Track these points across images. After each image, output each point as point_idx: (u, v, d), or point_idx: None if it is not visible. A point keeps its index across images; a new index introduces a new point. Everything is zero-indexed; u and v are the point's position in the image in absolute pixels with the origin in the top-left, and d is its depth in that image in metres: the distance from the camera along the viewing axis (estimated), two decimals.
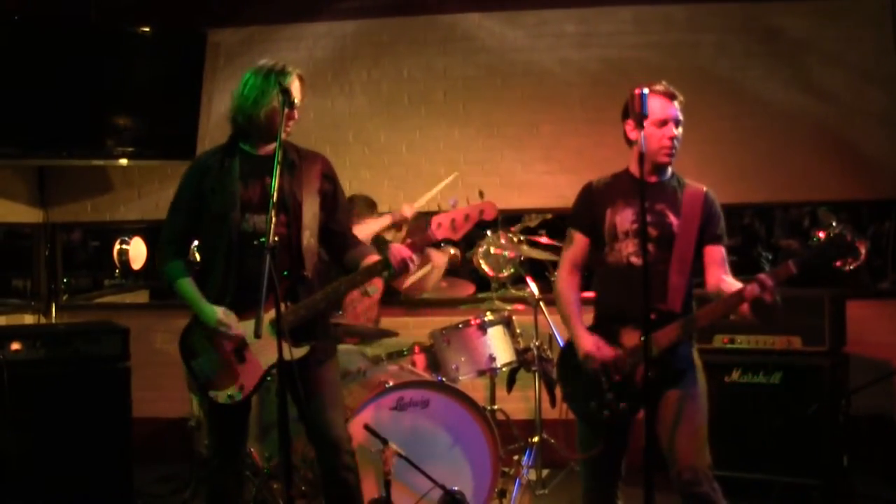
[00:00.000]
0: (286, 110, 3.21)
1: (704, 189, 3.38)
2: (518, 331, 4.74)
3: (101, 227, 6.96)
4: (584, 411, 3.35)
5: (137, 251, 6.48)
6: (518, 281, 5.20)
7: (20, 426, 4.38)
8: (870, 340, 5.29)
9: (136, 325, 4.95)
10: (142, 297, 7.49)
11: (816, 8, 5.57)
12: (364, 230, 4.47)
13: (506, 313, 4.75)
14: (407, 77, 5.95)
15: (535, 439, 4.93)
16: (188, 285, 3.41)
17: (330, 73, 5.96)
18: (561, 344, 4.30)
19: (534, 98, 5.83)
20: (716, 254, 3.32)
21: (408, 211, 4.82)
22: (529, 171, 5.84)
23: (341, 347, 4.45)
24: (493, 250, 5.04)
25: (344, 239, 3.60)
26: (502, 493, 4.48)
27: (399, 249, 3.36)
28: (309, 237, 3.44)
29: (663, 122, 3.25)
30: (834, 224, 3.12)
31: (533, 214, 5.41)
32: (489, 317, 4.63)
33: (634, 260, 3.28)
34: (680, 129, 3.30)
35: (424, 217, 4.05)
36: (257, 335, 2.95)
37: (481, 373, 4.58)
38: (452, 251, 5.13)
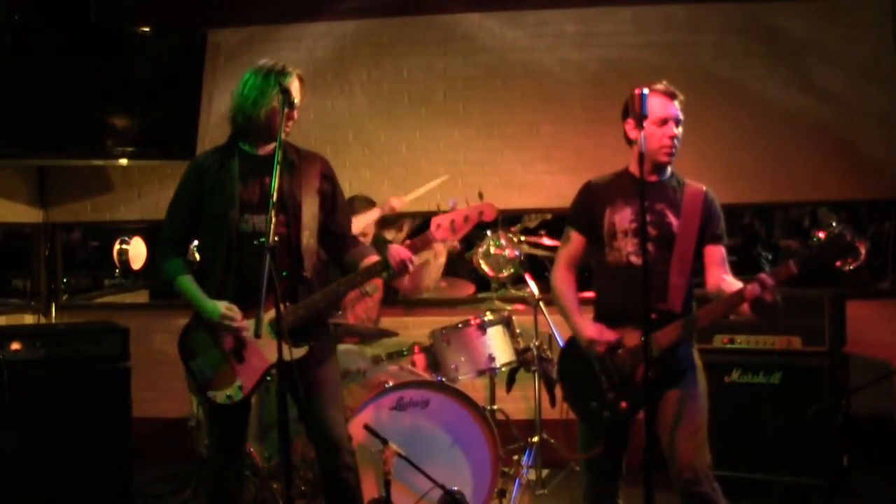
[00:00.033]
0: (286, 110, 3.22)
1: (704, 189, 3.38)
2: (518, 331, 4.74)
3: (101, 227, 6.95)
4: (584, 411, 3.35)
5: (137, 251, 6.49)
6: (518, 281, 5.20)
7: (20, 426, 4.38)
8: (870, 340, 5.29)
9: (136, 325, 4.95)
10: (142, 297, 7.48)
11: (816, 8, 5.57)
12: (355, 225, 4.47)
13: (506, 313, 4.75)
14: (407, 77, 5.95)
15: (535, 439, 4.93)
16: (188, 282, 3.41)
17: (330, 73, 5.96)
18: (561, 344, 4.30)
19: (534, 98, 5.83)
20: (716, 254, 3.32)
21: (396, 203, 4.82)
22: (529, 171, 5.84)
23: (341, 347, 4.45)
24: (492, 250, 5.04)
25: (343, 239, 3.60)
26: (502, 493, 4.48)
27: (398, 251, 3.37)
28: (308, 237, 3.45)
29: (663, 122, 3.26)
30: (834, 224, 3.13)
31: (532, 215, 5.42)
32: (489, 317, 4.63)
33: (634, 259, 3.29)
34: (680, 129, 3.31)
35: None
36: (257, 335, 2.96)
37: (481, 373, 4.58)
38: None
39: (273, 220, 3.01)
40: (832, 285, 5.21)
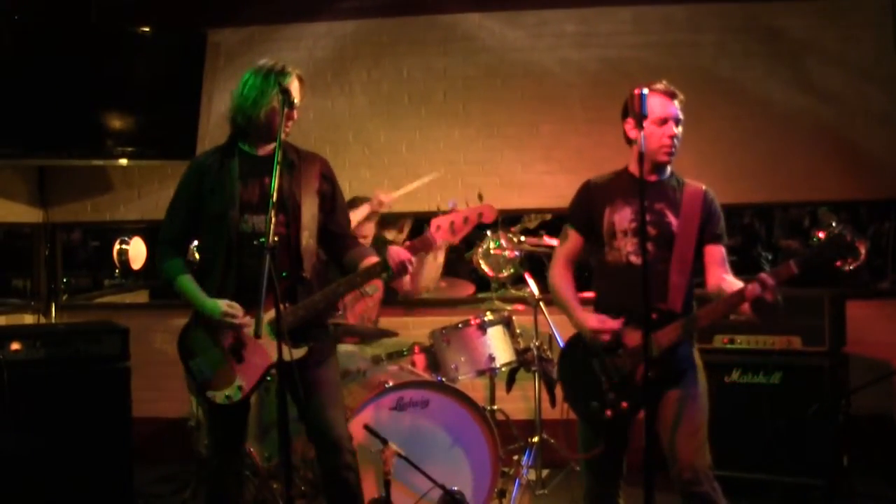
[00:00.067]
0: (286, 110, 3.22)
1: (704, 188, 3.38)
2: (518, 331, 4.74)
3: (101, 226, 6.96)
4: (584, 411, 3.35)
5: (137, 251, 6.49)
6: (518, 281, 5.20)
7: (20, 426, 4.38)
8: (870, 340, 5.29)
9: (136, 325, 4.94)
10: (142, 297, 7.49)
11: (816, 8, 5.57)
12: None
13: (506, 313, 4.75)
14: (407, 77, 5.95)
15: (535, 439, 4.92)
16: (188, 282, 3.41)
17: (330, 73, 5.96)
18: (561, 344, 4.30)
19: (534, 98, 5.83)
20: (716, 253, 3.32)
21: (384, 197, 4.81)
22: (529, 172, 5.84)
23: (341, 347, 4.45)
24: (492, 250, 5.04)
25: (343, 240, 3.59)
26: (502, 493, 4.48)
27: (398, 252, 3.36)
28: (308, 238, 3.45)
29: (663, 121, 3.26)
30: (834, 224, 3.13)
31: (532, 215, 5.41)
32: (489, 317, 4.63)
33: (634, 259, 3.29)
34: (680, 128, 3.31)
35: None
36: (257, 335, 2.96)
37: (481, 373, 4.58)
38: None
39: (273, 220, 3.01)
40: (832, 285, 5.21)
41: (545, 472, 5.01)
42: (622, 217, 3.33)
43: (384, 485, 3.80)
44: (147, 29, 5.59)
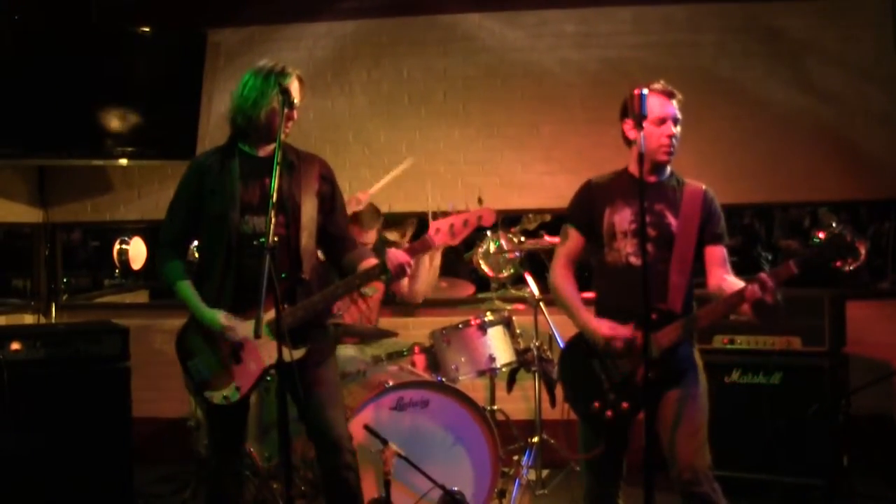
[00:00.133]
0: (285, 111, 3.22)
1: (703, 188, 3.38)
2: (518, 331, 4.74)
3: (101, 227, 6.96)
4: (585, 411, 3.35)
5: (137, 251, 6.49)
6: (518, 281, 5.20)
7: (20, 426, 4.38)
8: (870, 340, 5.29)
9: (135, 325, 4.95)
10: (142, 297, 7.49)
11: (816, 8, 5.57)
12: None
13: (506, 313, 4.75)
14: (407, 77, 5.95)
15: (535, 439, 4.92)
16: (188, 288, 3.40)
17: (330, 73, 5.96)
18: (561, 344, 4.30)
19: (534, 98, 5.83)
20: (717, 254, 3.32)
21: (362, 196, 4.81)
22: (529, 172, 5.84)
23: (341, 347, 4.46)
24: (492, 250, 5.04)
25: (342, 242, 3.59)
26: (502, 494, 4.48)
27: (396, 254, 3.36)
28: (307, 239, 3.44)
29: (662, 121, 3.26)
30: (834, 224, 3.13)
31: (531, 216, 5.41)
32: (489, 317, 4.63)
33: (634, 260, 3.28)
34: (678, 128, 3.30)
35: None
36: (257, 335, 2.96)
37: (481, 373, 4.58)
38: None
39: (273, 220, 3.01)
40: (832, 285, 5.22)
41: (545, 473, 5.01)
42: (622, 218, 3.33)
43: (384, 485, 3.80)
44: (147, 29, 5.59)
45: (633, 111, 3.09)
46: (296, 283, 3.39)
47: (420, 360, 4.72)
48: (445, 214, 3.46)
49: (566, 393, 3.44)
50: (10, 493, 4.35)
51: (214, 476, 3.55)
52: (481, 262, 5.09)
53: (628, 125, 3.32)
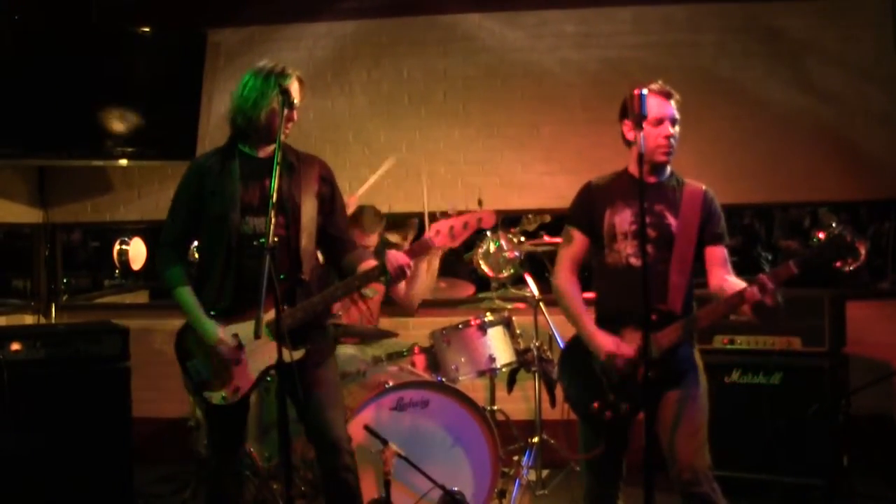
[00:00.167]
0: (285, 111, 3.21)
1: (703, 188, 3.38)
2: (518, 331, 4.74)
3: (101, 227, 6.96)
4: (585, 412, 3.35)
5: (137, 251, 6.49)
6: (518, 281, 5.20)
7: (20, 426, 4.38)
8: (870, 341, 5.29)
9: (135, 326, 4.95)
10: (142, 297, 7.49)
11: (816, 8, 5.57)
12: None
13: (506, 314, 4.75)
14: (407, 77, 5.95)
15: (535, 440, 4.92)
16: (188, 296, 3.39)
17: (330, 73, 5.96)
18: (561, 344, 4.30)
19: (534, 98, 5.83)
20: (717, 254, 3.32)
21: (350, 200, 4.80)
22: (529, 172, 5.84)
23: (341, 348, 4.45)
24: (492, 250, 5.04)
25: (341, 243, 3.59)
26: (502, 494, 4.48)
27: (396, 256, 3.36)
28: (307, 240, 3.44)
29: (659, 121, 3.25)
30: (834, 224, 3.12)
31: (531, 216, 5.41)
32: (489, 317, 4.63)
33: (634, 261, 3.28)
34: (677, 128, 3.30)
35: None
36: (257, 336, 2.96)
37: (481, 373, 4.58)
38: None
39: (273, 220, 3.01)
40: (832, 286, 5.22)
41: (545, 473, 5.01)
42: (622, 219, 3.32)
43: (384, 485, 3.80)
44: (147, 29, 5.59)
45: (633, 111, 3.09)
46: (295, 283, 3.39)
47: (420, 360, 4.72)
48: (445, 215, 3.46)
49: (566, 393, 3.44)
50: (10, 493, 4.35)
51: (214, 476, 3.55)
52: (481, 262, 5.09)
53: (627, 126, 3.32)
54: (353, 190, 5.03)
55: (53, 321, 6.12)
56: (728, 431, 4.01)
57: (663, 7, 5.71)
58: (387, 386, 4.15)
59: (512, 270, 5.10)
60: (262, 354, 3.31)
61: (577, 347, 3.38)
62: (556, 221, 6.04)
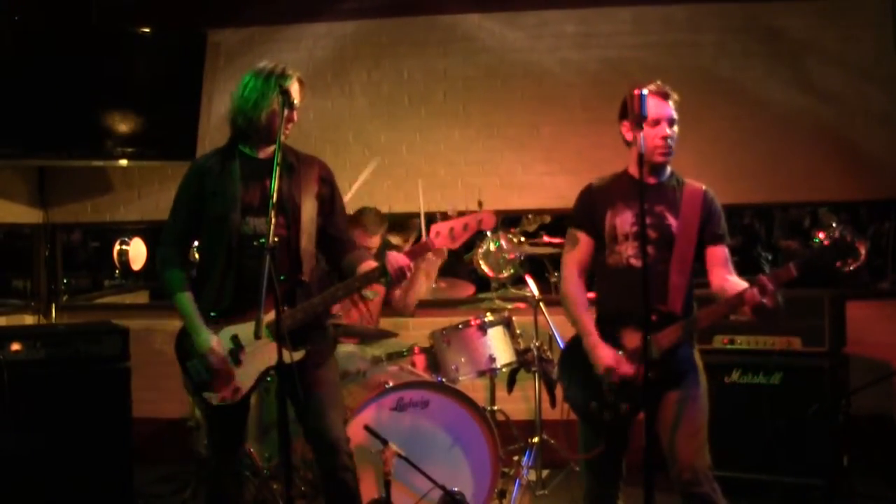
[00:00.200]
0: (286, 112, 3.22)
1: (703, 188, 3.37)
2: (518, 331, 4.74)
3: (101, 227, 6.96)
4: (584, 412, 3.35)
5: (137, 252, 6.48)
6: (518, 281, 5.20)
7: (20, 426, 4.38)
8: (870, 341, 5.29)
9: (136, 326, 4.95)
10: (142, 297, 7.49)
11: (816, 8, 5.57)
12: None
13: (506, 314, 4.75)
14: (407, 78, 5.95)
15: (535, 440, 4.92)
16: (186, 301, 3.39)
17: (330, 73, 5.96)
18: (561, 344, 4.31)
19: (534, 99, 5.83)
20: (718, 254, 3.32)
21: None
22: (529, 172, 5.84)
23: (341, 348, 4.45)
24: (492, 250, 5.04)
25: (341, 244, 3.59)
26: (502, 494, 4.48)
27: (396, 257, 3.36)
28: (307, 241, 3.44)
29: (656, 122, 3.25)
30: (834, 225, 3.12)
31: (531, 216, 5.41)
32: (489, 317, 4.63)
33: (634, 262, 3.28)
34: (675, 129, 3.30)
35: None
36: (257, 336, 2.96)
37: (481, 373, 4.58)
38: None
39: (273, 220, 3.01)
40: (832, 286, 5.21)
41: (545, 473, 5.01)
42: (623, 221, 3.32)
43: (384, 485, 3.80)
44: (147, 29, 5.59)
45: (633, 111, 3.09)
46: (295, 284, 3.39)
47: (420, 360, 4.73)
48: (445, 217, 3.46)
49: (566, 393, 3.44)
50: (10, 493, 4.35)
51: (214, 476, 3.55)
52: (481, 262, 5.09)
53: (626, 126, 3.32)
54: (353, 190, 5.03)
55: (53, 321, 6.12)
56: (728, 431, 4.01)
57: (663, 7, 5.70)
58: (387, 386, 4.15)
59: (512, 271, 5.11)
60: (262, 355, 3.31)
61: (577, 347, 3.38)
62: (556, 222, 6.06)
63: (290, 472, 3.20)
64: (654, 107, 3.22)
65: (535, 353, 4.75)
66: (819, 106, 5.57)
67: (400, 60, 5.94)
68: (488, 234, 5.00)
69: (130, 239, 6.52)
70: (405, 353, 4.66)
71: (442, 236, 3.39)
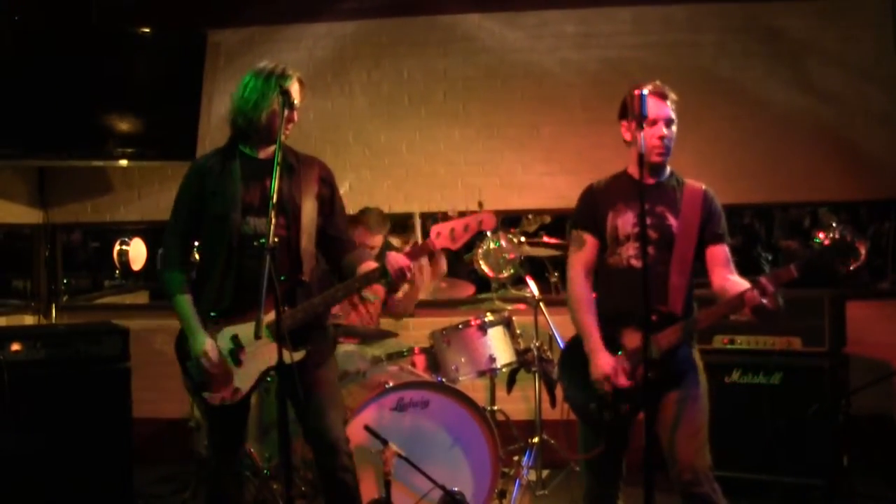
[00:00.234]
0: (286, 112, 3.22)
1: (703, 187, 3.37)
2: (518, 331, 4.74)
3: (101, 227, 6.96)
4: (584, 412, 3.35)
5: (137, 252, 6.48)
6: (518, 281, 5.20)
7: (20, 426, 4.38)
8: (870, 341, 5.29)
9: (136, 326, 4.96)
10: (142, 297, 7.48)
11: (816, 8, 5.57)
12: None
13: (506, 314, 4.75)
14: (407, 78, 5.95)
15: (535, 440, 4.92)
16: (185, 304, 3.39)
17: (330, 73, 5.96)
18: (561, 344, 4.30)
19: (534, 99, 5.83)
20: (719, 254, 3.32)
21: None
22: (529, 172, 5.84)
23: (341, 348, 4.45)
24: (492, 250, 5.04)
25: (341, 244, 3.59)
26: (502, 494, 4.48)
27: (397, 258, 3.36)
28: (307, 241, 3.44)
29: (653, 122, 3.24)
30: (834, 225, 3.12)
31: (531, 217, 5.41)
32: (489, 317, 4.63)
33: (634, 262, 3.28)
34: (673, 129, 3.29)
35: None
36: (257, 336, 2.96)
37: (481, 373, 4.58)
38: None
39: (273, 221, 3.01)
40: (832, 286, 5.21)
41: (545, 473, 5.01)
42: (625, 221, 3.32)
43: (384, 485, 3.80)
44: (147, 29, 5.59)
45: (633, 112, 3.09)
46: (295, 284, 3.39)
47: (420, 360, 4.73)
48: (445, 217, 3.45)
49: (566, 393, 3.44)
50: (10, 493, 4.35)
51: (214, 476, 3.55)
52: (481, 262, 5.09)
53: (625, 126, 3.32)
54: (354, 191, 5.03)
55: (54, 322, 6.12)
56: (728, 431, 4.01)
57: (663, 7, 5.71)
58: (387, 386, 4.15)
59: (512, 271, 5.10)
60: (263, 355, 3.31)
61: (578, 348, 3.38)
62: (557, 222, 6.06)
63: (290, 472, 3.20)
64: (651, 107, 3.22)
65: (536, 353, 4.75)
66: (819, 106, 5.58)
67: (400, 60, 5.94)
68: (488, 234, 4.99)
69: (130, 239, 6.52)
70: (405, 354, 4.66)
71: (443, 237, 3.39)
